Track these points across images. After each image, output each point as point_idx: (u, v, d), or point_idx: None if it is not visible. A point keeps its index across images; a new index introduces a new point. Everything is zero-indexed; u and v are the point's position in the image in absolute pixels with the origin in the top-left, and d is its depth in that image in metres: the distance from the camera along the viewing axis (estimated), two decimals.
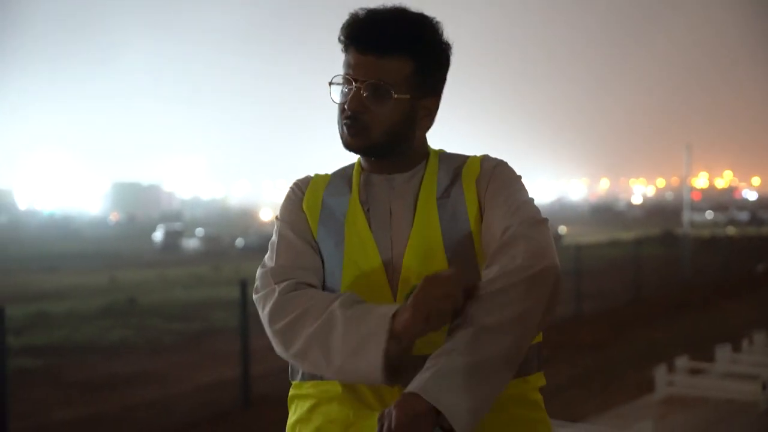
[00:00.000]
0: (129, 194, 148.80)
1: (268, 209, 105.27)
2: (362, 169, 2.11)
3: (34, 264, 38.39)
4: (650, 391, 8.07)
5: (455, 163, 2.11)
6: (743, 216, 74.02)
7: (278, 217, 2.14)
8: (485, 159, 2.11)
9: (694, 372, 8.57)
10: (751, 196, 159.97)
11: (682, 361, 8.46)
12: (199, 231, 56.24)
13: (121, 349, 14.52)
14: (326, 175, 2.16)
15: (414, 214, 2.02)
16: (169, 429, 8.98)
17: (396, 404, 1.66)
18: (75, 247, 51.85)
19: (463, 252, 1.98)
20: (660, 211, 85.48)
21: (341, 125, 2.00)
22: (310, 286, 1.98)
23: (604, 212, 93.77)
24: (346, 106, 1.96)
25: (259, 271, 2.05)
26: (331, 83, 2.01)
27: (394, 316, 1.76)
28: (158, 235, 55.59)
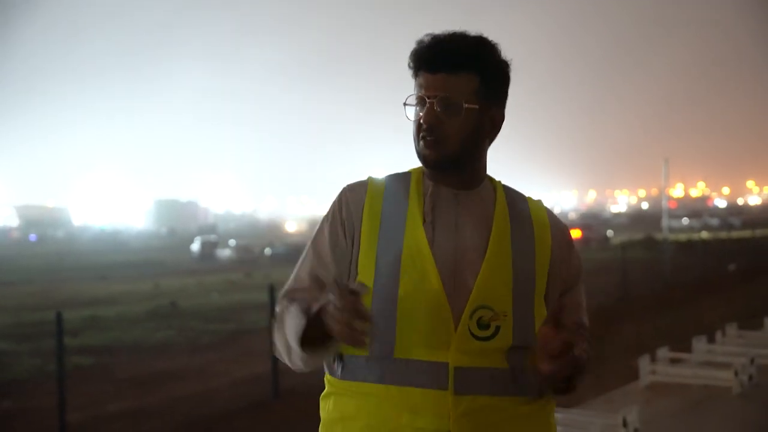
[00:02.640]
0: (169, 210, 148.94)
1: (293, 222, 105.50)
2: (427, 179, 2.00)
3: (87, 273, 38.45)
4: (636, 379, 8.05)
5: (518, 197, 2.06)
6: (715, 222, 73.76)
7: (315, 234, 2.06)
8: (550, 213, 2.07)
9: (674, 361, 8.54)
10: (722, 204, 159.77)
11: (663, 352, 8.44)
12: (232, 242, 56.23)
13: (165, 348, 14.58)
14: (382, 179, 2.04)
15: (487, 235, 1.94)
16: (209, 418, 9.00)
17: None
18: (123, 258, 51.91)
19: (526, 286, 1.93)
20: (641, 218, 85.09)
21: (417, 140, 1.96)
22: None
23: (592, 220, 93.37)
24: (421, 122, 1.92)
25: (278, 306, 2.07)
26: (405, 104, 1.98)
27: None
28: (195, 246, 55.55)
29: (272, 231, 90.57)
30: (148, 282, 30.45)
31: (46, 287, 30.25)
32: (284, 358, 1.97)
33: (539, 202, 2.09)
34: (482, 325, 1.83)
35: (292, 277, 2.05)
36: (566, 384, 1.88)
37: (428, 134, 1.92)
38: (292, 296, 1.98)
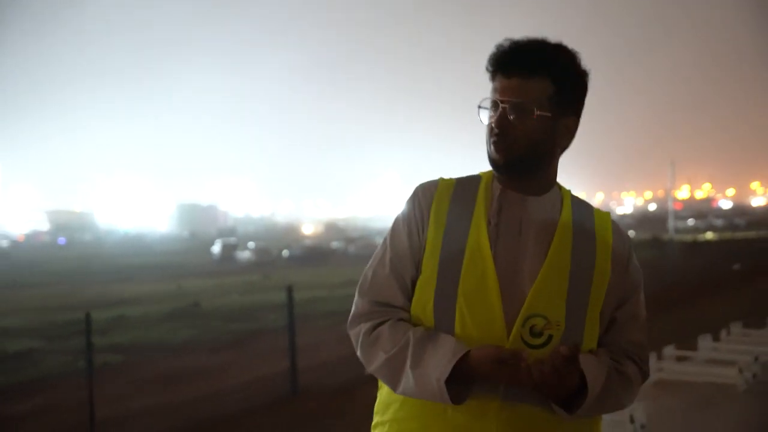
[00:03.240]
0: (191, 213, 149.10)
1: (309, 224, 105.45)
2: (495, 183, 1.97)
3: (114, 275, 38.59)
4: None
5: (585, 209, 2.02)
6: (719, 222, 73.32)
7: (389, 233, 2.02)
8: (615, 227, 2.02)
9: (680, 359, 8.53)
10: (726, 205, 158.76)
11: (669, 350, 8.44)
12: (251, 244, 56.14)
13: (188, 347, 14.66)
14: (451, 180, 2.01)
15: (548, 243, 1.91)
16: (229, 415, 9.02)
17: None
18: (147, 260, 52.01)
19: (580, 298, 1.90)
20: (648, 219, 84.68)
21: (489, 143, 1.91)
22: (394, 309, 1.94)
23: None
24: (493, 125, 1.88)
25: (356, 298, 2.00)
26: (480, 107, 1.93)
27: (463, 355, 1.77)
28: (216, 249, 55.48)
29: (289, 233, 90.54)
30: (171, 283, 30.52)
31: (75, 288, 30.39)
32: (380, 367, 1.89)
33: (606, 215, 2.04)
34: (535, 333, 1.82)
35: (370, 272, 2.00)
36: (573, 398, 1.84)
37: (499, 138, 1.89)
38: (379, 300, 1.95)
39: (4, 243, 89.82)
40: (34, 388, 11.02)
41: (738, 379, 7.49)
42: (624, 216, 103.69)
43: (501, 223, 1.91)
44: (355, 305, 1.98)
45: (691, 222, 74.28)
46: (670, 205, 39.51)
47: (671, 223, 36.07)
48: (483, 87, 2.06)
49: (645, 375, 1.99)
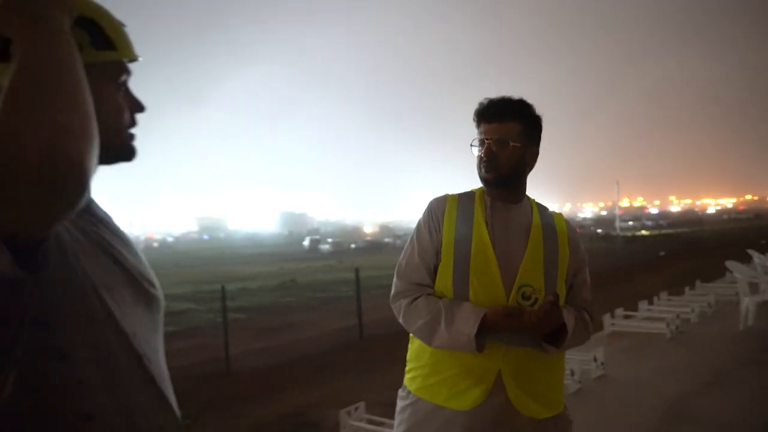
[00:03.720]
0: (289, 218, 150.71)
1: (369, 226, 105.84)
2: (486, 196, 1.99)
3: (239, 260, 39.18)
4: (601, 330, 7.95)
5: (546, 211, 2.04)
6: (649, 223, 71.95)
7: (414, 233, 2.00)
8: (567, 222, 2.06)
9: (627, 317, 8.46)
10: (654, 211, 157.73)
11: (619, 311, 8.36)
12: (329, 240, 56.63)
13: (289, 309, 14.76)
14: (455, 195, 2.01)
15: (527, 236, 1.92)
16: (318, 353, 9.07)
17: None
18: (260, 251, 52.70)
19: (552, 272, 1.91)
20: (601, 221, 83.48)
21: (480, 168, 1.94)
22: (424, 287, 1.93)
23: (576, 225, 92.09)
24: (482, 155, 1.92)
25: (394, 281, 1.99)
26: (471, 145, 1.97)
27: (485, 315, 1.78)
28: (306, 243, 55.99)
29: (355, 232, 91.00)
30: (276, 266, 30.90)
31: (214, 269, 30.87)
32: (420, 328, 1.87)
33: (560, 215, 2.07)
34: (525, 296, 1.83)
35: (404, 261, 1.98)
36: (556, 338, 1.87)
37: (487, 163, 1.91)
38: (413, 281, 1.95)
39: (169, 239, 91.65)
40: (190, 334, 11.21)
41: (666, 330, 7.41)
42: (585, 219, 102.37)
43: (494, 223, 1.93)
44: (395, 286, 1.99)
45: (630, 223, 73.12)
46: (616, 212, 38.97)
47: (617, 224, 35.53)
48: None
49: (593, 320, 2.03)
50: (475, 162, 1.98)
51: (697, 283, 11.31)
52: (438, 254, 1.93)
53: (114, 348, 1.01)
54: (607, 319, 8.02)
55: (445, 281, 1.90)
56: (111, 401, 1.00)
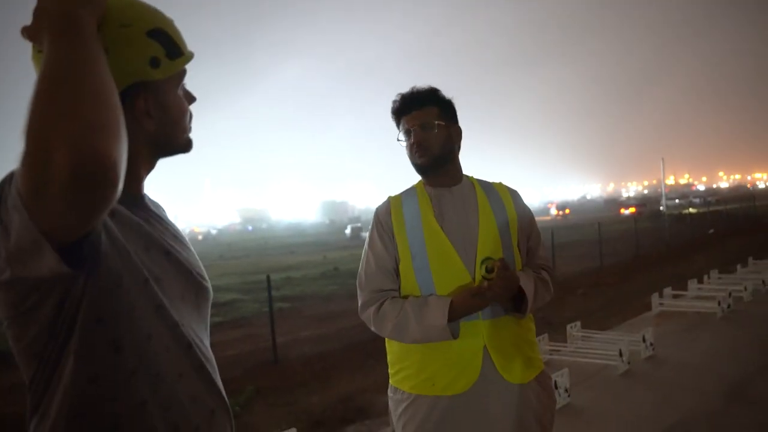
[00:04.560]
0: (330, 207, 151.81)
1: None
2: (427, 186, 2.01)
3: (282, 250, 39.59)
4: (649, 310, 7.80)
5: (487, 184, 2.06)
6: (697, 201, 69.93)
7: (367, 243, 2.02)
8: (510, 189, 2.08)
9: (676, 296, 8.27)
10: (701, 188, 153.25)
11: (667, 291, 8.17)
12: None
13: (333, 297, 14.79)
14: (398, 195, 2.04)
15: (476, 212, 1.95)
16: (364, 339, 9.09)
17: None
18: (303, 240, 53.20)
19: (507, 239, 1.95)
20: (646, 200, 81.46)
21: (413, 157, 1.97)
22: (387, 291, 1.94)
23: (612, 203, 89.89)
24: (413, 143, 1.95)
25: (358, 293, 2.00)
26: (398, 140, 2.02)
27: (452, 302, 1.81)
28: (347, 231, 55.97)
29: None
30: (319, 255, 31.04)
31: (259, 259, 31.30)
32: (391, 330, 1.89)
33: (501, 183, 2.08)
34: (489, 269, 1.83)
35: (362, 273, 2.00)
36: (519, 303, 1.89)
37: (418, 148, 1.95)
38: (375, 289, 1.95)
39: (214, 231, 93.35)
40: (237, 324, 11.39)
41: (717, 309, 7.24)
42: (629, 198, 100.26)
43: (442, 209, 1.95)
44: (360, 297, 2.01)
45: (676, 201, 71.26)
46: (663, 190, 37.86)
47: (663, 202, 34.56)
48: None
49: (551, 274, 2.04)
50: (407, 158, 2.00)
51: (750, 260, 10.97)
52: (395, 258, 1.94)
53: (165, 338, 1.04)
54: (655, 298, 7.86)
55: (409, 280, 1.92)
56: (164, 388, 1.03)
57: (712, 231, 24.44)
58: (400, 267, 1.93)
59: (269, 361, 8.21)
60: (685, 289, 8.65)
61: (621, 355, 5.27)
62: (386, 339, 2.01)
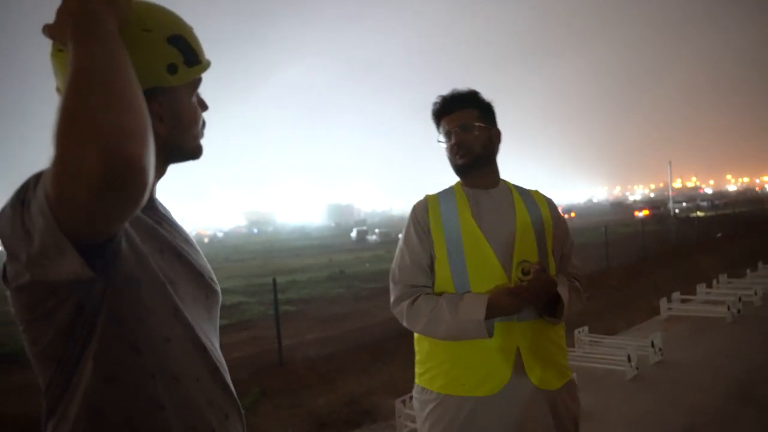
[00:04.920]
0: (335, 210, 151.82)
1: None
2: (465, 187, 2.02)
3: (288, 253, 39.56)
4: (657, 314, 7.75)
5: (524, 190, 2.07)
6: (704, 204, 69.63)
7: (402, 237, 2.03)
8: (545, 196, 2.08)
9: (684, 301, 8.20)
10: (709, 191, 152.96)
11: (675, 295, 8.11)
12: (377, 230, 56.70)
13: (339, 299, 14.81)
14: (435, 194, 2.04)
15: (513, 215, 1.95)
16: (369, 343, 9.12)
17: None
18: (308, 243, 53.17)
19: (543, 245, 1.95)
20: (653, 203, 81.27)
21: (453, 157, 2.00)
22: (421, 288, 1.94)
23: (619, 206, 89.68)
24: (453, 144, 1.98)
25: (391, 288, 1.99)
26: (438, 141, 2.05)
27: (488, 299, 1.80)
28: (353, 234, 56.06)
29: (403, 221, 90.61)
30: (324, 258, 31.00)
31: (264, 262, 31.32)
32: (425, 325, 1.88)
33: (537, 191, 2.09)
34: (525, 272, 1.84)
35: (396, 268, 2.00)
36: (554, 309, 1.88)
37: (458, 149, 1.97)
38: (409, 284, 1.95)
39: (219, 234, 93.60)
40: (243, 327, 11.39)
41: (726, 314, 7.18)
42: (635, 202, 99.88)
43: (480, 210, 1.96)
44: (392, 292, 2.01)
45: (683, 204, 71.01)
46: (670, 193, 37.77)
47: (671, 205, 34.45)
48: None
49: (583, 285, 2.04)
50: (446, 159, 2.04)
51: (759, 264, 10.89)
52: (430, 255, 1.94)
53: (182, 341, 1.05)
54: (663, 303, 7.81)
55: (444, 276, 1.92)
56: (181, 391, 1.03)
57: (719, 235, 24.32)
58: (436, 264, 1.93)
59: (275, 363, 8.21)
60: (693, 293, 8.60)
61: (629, 360, 5.23)
62: (415, 338, 2.02)
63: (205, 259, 1.22)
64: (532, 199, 2.03)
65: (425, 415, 1.94)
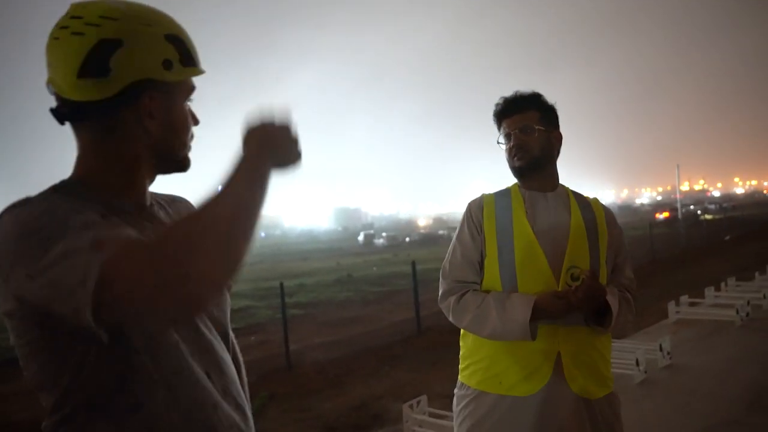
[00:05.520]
0: (343, 214, 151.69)
1: (423, 219, 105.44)
2: (522, 188, 2.01)
3: (295, 257, 39.56)
4: (666, 318, 7.71)
5: (581, 196, 2.05)
6: (712, 207, 69.16)
7: (456, 236, 2.02)
8: (603, 205, 2.06)
9: (692, 304, 8.15)
10: (716, 194, 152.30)
11: (684, 298, 8.06)
12: (384, 234, 56.66)
13: (346, 303, 14.81)
14: (491, 194, 2.04)
15: (568, 220, 1.93)
16: (377, 347, 9.11)
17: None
18: (316, 247, 53.21)
19: (595, 253, 1.92)
20: (660, 206, 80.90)
21: (511, 159, 1.98)
22: (470, 284, 1.95)
23: (626, 209, 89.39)
24: (512, 146, 1.97)
25: (440, 282, 2.00)
26: (498, 142, 2.03)
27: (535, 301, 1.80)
28: (360, 237, 56.03)
29: (410, 225, 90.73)
30: (332, 261, 31.04)
31: (272, 266, 31.32)
32: (470, 321, 1.89)
33: (596, 199, 2.07)
34: (574, 278, 1.83)
35: (447, 263, 2.02)
36: (601, 318, 1.85)
37: (517, 150, 1.96)
38: (458, 279, 1.97)
39: None
40: (251, 330, 11.40)
41: (735, 317, 7.13)
42: (643, 205, 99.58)
43: (535, 212, 1.94)
44: (441, 286, 2.01)
45: (691, 207, 70.59)
46: (678, 196, 37.56)
47: (679, 208, 34.24)
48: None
49: (635, 298, 2.01)
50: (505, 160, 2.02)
51: None
52: (481, 253, 1.95)
53: (190, 343, 1.04)
54: (671, 306, 7.77)
55: (492, 274, 1.92)
56: (187, 392, 1.03)
57: (728, 238, 24.17)
58: (486, 261, 1.94)
59: (283, 367, 8.21)
60: (702, 296, 8.54)
61: (638, 364, 5.21)
62: (461, 333, 2.03)
63: None
64: (589, 206, 2.02)
65: (459, 409, 1.96)
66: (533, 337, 1.80)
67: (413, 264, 10.77)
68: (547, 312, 1.79)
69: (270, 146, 0.96)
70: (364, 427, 5.34)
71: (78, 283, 0.81)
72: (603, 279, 1.92)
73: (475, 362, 1.94)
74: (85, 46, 0.98)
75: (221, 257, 0.82)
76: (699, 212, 39.95)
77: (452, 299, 1.94)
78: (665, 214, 44.49)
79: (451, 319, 1.95)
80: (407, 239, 51.52)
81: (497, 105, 2.03)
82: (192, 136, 1.15)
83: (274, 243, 69.44)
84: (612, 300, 1.82)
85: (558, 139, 2.01)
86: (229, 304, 1.23)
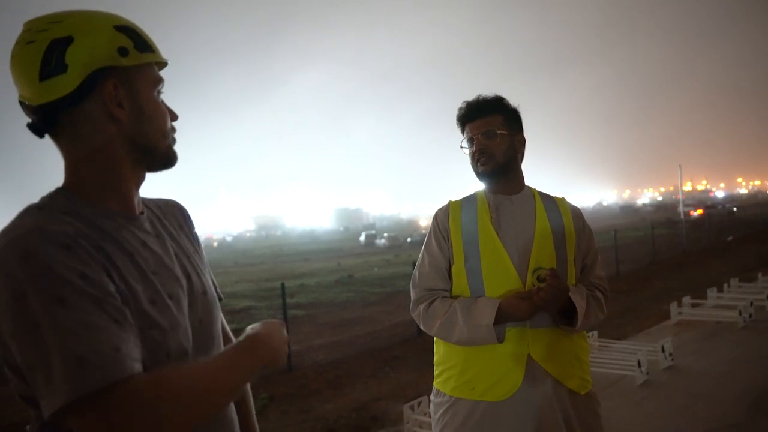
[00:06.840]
0: (344, 214, 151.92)
1: (424, 219, 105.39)
2: (488, 193, 2.01)
3: (297, 257, 39.60)
4: (667, 319, 7.71)
5: (547, 197, 2.06)
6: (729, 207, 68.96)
7: (424, 245, 2.04)
8: (570, 204, 2.06)
9: (694, 305, 8.15)
10: (720, 194, 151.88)
11: (686, 299, 8.05)
12: (385, 234, 56.66)
13: (347, 304, 14.78)
14: (458, 200, 2.05)
15: (534, 222, 1.94)
16: (379, 347, 9.11)
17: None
18: (317, 247, 53.22)
19: (563, 253, 1.93)
20: (663, 206, 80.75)
21: (475, 164, 1.98)
22: (439, 291, 1.96)
23: (628, 210, 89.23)
24: (475, 151, 1.97)
25: (411, 291, 2.01)
26: (461, 146, 2.03)
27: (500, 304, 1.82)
28: (362, 238, 56.05)
29: (411, 226, 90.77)
30: (333, 262, 31.05)
31: (273, 266, 31.36)
32: (439, 328, 1.91)
33: (562, 198, 2.07)
34: (540, 279, 1.85)
35: (416, 272, 2.03)
36: (569, 318, 1.87)
37: (480, 156, 1.96)
38: (427, 287, 1.98)
39: (229, 238, 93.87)
40: None
41: (738, 318, 7.12)
42: (645, 205, 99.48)
43: (500, 216, 1.95)
44: (412, 295, 2.03)
45: (719, 207, 70.30)
46: (680, 196, 37.50)
47: (681, 209, 34.20)
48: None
49: (607, 296, 2.02)
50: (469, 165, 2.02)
51: None
52: (449, 259, 1.96)
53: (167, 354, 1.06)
54: (673, 307, 7.76)
55: (460, 281, 1.93)
56: None
57: (730, 238, 24.12)
58: (453, 268, 1.95)
59: (283, 368, 8.22)
60: (704, 297, 8.54)
61: (639, 365, 5.20)
62: (434, 340, 2.04)
63: (208, 272, 1.25)
64: (555, 206, 2.02)
65: (438, 417, 1.96)
66: (500, 340, 1.82)
67: (414, 265, 10.76)
68: (512, 314, 1.79)
69: (268, 362, 1.11)
70: (365, 429, 5.33)
71: (59, 383, 0.87)
72: (572, 279, 1.93)
73: (448, 368, 1.95)
74: (39, 49, 1.01)
75: (199, 417, 0.95)
76: (734, 209, 39.80)
77: (422, 307, 1.95)
78: (699, 212, 44.42)
79: (422, 327, 1.96)
80: (408, 240, 51.45)
81: (460, 110, 2.03)
82: (173, 129, 1.15)
83: (276, 243, 69.51)
84: (578, 299, 1.83)
85: (522, 142, 2.02)
86: (219, 310, 1.26)
